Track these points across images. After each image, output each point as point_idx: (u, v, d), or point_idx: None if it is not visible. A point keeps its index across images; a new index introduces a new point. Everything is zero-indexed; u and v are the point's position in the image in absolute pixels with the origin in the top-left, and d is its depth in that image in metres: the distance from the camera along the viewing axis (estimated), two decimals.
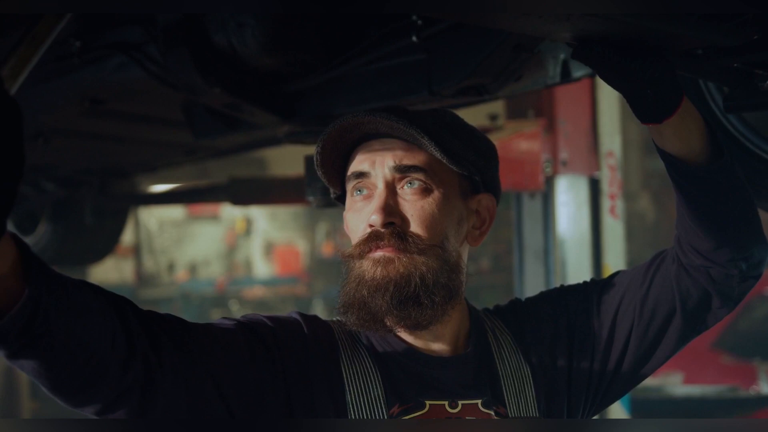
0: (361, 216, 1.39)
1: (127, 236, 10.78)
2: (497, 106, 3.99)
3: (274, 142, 2.93)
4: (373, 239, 1.36)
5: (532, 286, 4.04)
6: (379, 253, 1.35)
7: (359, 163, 1.40)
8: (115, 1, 1.00)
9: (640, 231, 9.16)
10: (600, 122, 4.04)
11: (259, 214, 13.28)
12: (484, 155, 1.46)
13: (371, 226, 1.36)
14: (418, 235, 1.36)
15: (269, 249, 13.57)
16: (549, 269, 4.02)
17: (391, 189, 1.38)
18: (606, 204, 4.04)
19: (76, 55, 2.23)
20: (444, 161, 1.36)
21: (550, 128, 3.98)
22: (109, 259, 4.73)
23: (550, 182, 4.02)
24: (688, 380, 5.24)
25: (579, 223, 4.02)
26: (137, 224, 12.51)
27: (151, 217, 13.07)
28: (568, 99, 3.99)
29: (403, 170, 1.37)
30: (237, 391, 1.28)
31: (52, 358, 1.09)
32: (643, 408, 4.66)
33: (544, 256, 4.02)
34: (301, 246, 13.43)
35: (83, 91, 2.48)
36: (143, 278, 12.89)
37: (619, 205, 4.09)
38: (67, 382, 1.13)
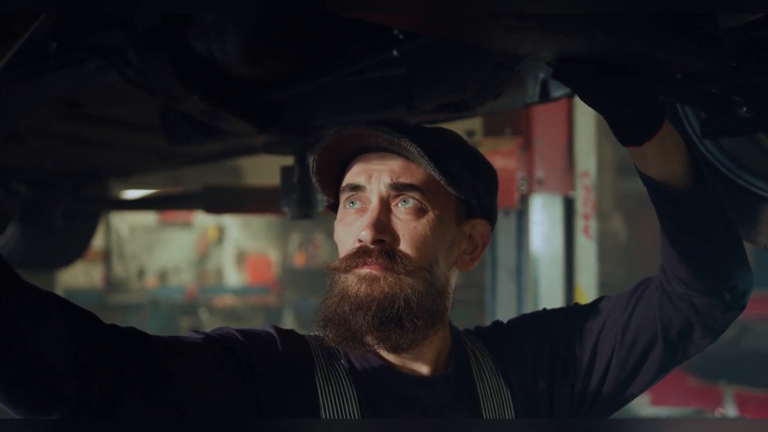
0: (351, 229, 1.36)
1: (98, 241, 10.68)
2: (474, 123, 4.01)
3: (251, 151, 2.92)
4: (360, 255, 1.32)
5: (504, 303, 4.05)
6: (365, 270, 1.32)
7: (355, 175, 1.37)
8: (97, 1, 0.98)
9: (612, 251, 9.22)
10: (576, 142, 4.07)
11: (232, 222, 13.21)
12: (485, 180, 1.43)
13: (360, 241, 1.33)
14: (407, 256, 1.33)
15: (241, 258, 13.50)
16: (521, 287, 4.03)
17: (384, 205, 1.34)
18: (579, 224, 4.07)
19: (53, 56, 2.20)
20: (442, 183, 1.33)
21: (527, 146, 4.00)
22: (78, 263, 4.67)
23: (525, 200, 4.04)
24: (655, 402, 5.26)
25: (552, 242, 4.04)
26: (108, 229, 12.40)
27: (123, 222, 12.96)
28: (545, 118, 4.02)
29: (399, 188, 1.34)
30: (201, 410, 1.25)
31: (9, 369, 1.08)
32: None
33: (517, 274, 4.04)
34: (273, 256, 13.37)
35: (59, 93, 2.45)
36: (112, 284, 12.76)
37: (593, 225, 4.11)
38: (22, 395, 1.11)
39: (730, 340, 6.39)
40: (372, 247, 1.32)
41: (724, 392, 5.72)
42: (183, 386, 1.24)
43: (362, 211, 1.36)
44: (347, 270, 1.34)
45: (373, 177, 1.35)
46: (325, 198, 1.46)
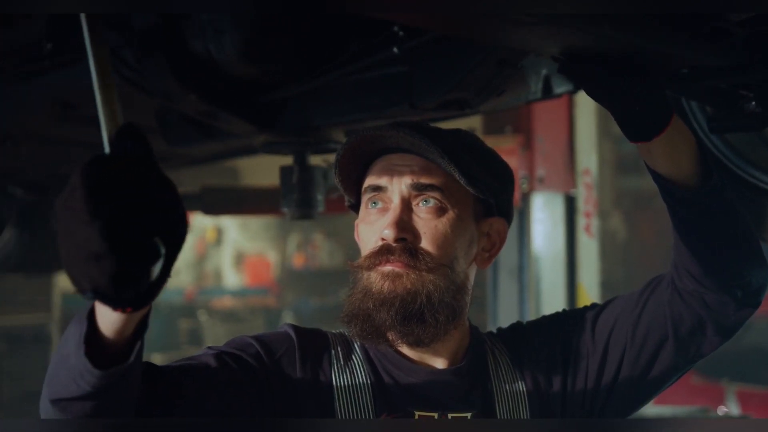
0: (373, 228, 1.41)
1: None
2: (475, 121, 3.98)
3: (250, 151, 2.90)
4: (383, 253, 1.37)
5: (506, 302, 4.03)
6: (388, 267, 1.37)
7: (377, 176, 1.42)
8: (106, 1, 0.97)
9: (612, 250, 9.20)
10: (577, 140, 4.05)
11: (230, 223, 13.19)
12: (501, 179, 1.47)
13: (383, 239, 1.37)
14: (428, 253, 1.37)
15: (240, 259, 13.47)
16: (523, 286, 4.02)
17: (406, 205, 1.39)
18: (581, 222, 4.05)
19: (48, 57, 2.17)
20: (461, 183, 1.37)
21: (527, 145, 3.99)
22: None
23: (526, 199, 4.03)
24: (659, 400, 5.24)
25: (554, 241, 4.02)
26: None
27: None
28: (545, 116, 4.00)
29: (420, 188, 1.39)
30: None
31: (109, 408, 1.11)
32: None
33: (519, 273, 4.02)
34: (272, 257, 13.35)
35: (54, 94, 2.43)
36: None
37: (594, 223, 4.09)
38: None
39: (733, 338, 6.36)
40: (394, 245, 1.37)
41: (726, 390, 5.70)
42: (201, 410, 1.27)
43: (384, 210, 1.41)
44: (370, 267, 1.38)
45: (394, 177, 1.40)
46: (346, 198, 1.50)
